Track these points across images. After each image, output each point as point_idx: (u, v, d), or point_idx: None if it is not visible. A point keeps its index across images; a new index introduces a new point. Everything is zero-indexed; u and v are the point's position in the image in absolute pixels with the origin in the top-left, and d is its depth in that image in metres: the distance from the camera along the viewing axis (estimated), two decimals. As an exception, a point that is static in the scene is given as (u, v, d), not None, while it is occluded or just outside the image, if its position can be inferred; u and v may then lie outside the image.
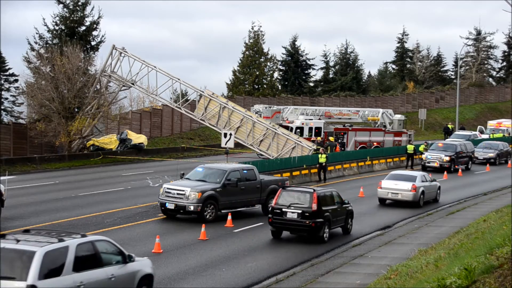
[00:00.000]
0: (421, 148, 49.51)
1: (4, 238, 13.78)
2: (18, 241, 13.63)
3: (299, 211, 23.97)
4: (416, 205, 32.67)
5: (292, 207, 24.10)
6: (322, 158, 40.50)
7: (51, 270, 13.14)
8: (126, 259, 15.09)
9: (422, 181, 33.47)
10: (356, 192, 35.41)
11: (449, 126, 70.70)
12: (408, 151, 49.16)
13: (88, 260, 14.06)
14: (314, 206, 23.88)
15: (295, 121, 49.69)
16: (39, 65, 50.49)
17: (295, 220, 24.01)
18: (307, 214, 23.86)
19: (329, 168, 43.28)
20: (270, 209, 24.86)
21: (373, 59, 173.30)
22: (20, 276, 12.76)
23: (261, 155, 46.59)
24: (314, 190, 24.65)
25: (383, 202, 33.46)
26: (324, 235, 24.33)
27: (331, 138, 49.32)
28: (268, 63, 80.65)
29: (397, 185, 32.96)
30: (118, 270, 14.73)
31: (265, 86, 79.10)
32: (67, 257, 13.51)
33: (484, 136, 64.42)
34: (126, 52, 48.01)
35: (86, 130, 48.79)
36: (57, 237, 14.00)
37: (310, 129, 49.56)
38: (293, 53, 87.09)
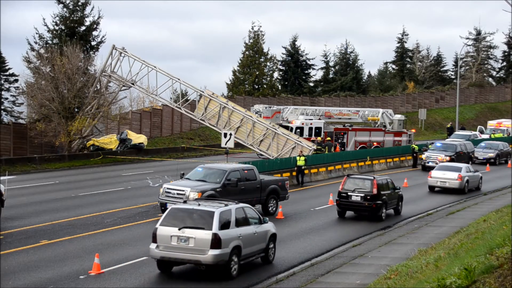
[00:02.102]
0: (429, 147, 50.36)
1: (186, 203, 20.04)
2: (199, 204, 19.21)
3: (362, 195, 28.67)
4: (462, 192, 37.15)
5: (356, 191, 28.79)
6: (301, 161, 38.66)
7: (223, 224, 18.64)
8: (262, 221, 20.57)
9: (467, 172, 38.12)
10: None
11: (450, 126, 70.94)
12: (415, 151, 50.08)
13: (241, 220, 19.55)
14: (375, 191, 28.57)
15: (295, 121, 49.67)
16: (39, 65, 50.49)
17: (359, 202, 28.76)
18: (369, 197, 28.59)
19: (329, 168, 43.29)
20: (337, 193, 29.24)
21: (373, 59, 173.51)
22: (206, 227, 18.30)
23: (261, 155, 46.59)
24: (374, 178, 29.19)
25: (432, 189, 38.06)
26: (382, 214, 28.89)
27: (328, 138, 49.26)
28: (268, 63, 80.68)
29: (445, 174, 37.65)
30: (257, 228, 20.14)
31: (265, 86, 79.10)
32: (231, 216, 19.04)
33: (484, 136, 64.42)
34: (126, 52, 48.00)
35: (86, 130, 48.79)
36: (223, 203, 19.68)
37: (310, 129, 49.55)
38: (293, 53, 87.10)
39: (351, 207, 29.14)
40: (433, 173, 38.13)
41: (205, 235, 18.18)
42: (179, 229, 18.35)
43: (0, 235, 23.17)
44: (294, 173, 39.15)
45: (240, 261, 19.10)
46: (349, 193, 28.89)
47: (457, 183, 37.23)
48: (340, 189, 29.17)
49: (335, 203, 29.80)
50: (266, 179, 29.82)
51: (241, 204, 20.38)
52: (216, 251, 18.15)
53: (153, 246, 18.64)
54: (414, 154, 50.01)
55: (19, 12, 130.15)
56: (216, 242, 18.14)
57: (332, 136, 50.48)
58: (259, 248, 20.24)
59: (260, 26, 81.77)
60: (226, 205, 19.40)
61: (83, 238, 23.43)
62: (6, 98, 64.27)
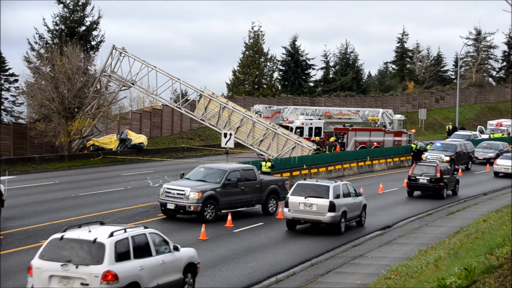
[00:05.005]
0: (428, 147, 50.34)
1: (305, 180, 27.37)
2: (317, 181, 26.67)
3: (428, 178, 35.05)
4: None
5: (423, 175, 35.22)
6: (266, 168, 34.70)
7: (335, 195, 25.38)
8: (357, 194, 27.09)
9: None
10: (356, 192, 35.43)
11: (453, 126, 70.84)
12: (413, 150, 50.17)
13: (346, 193, 26.16)
14: (438, 175, 34.95)
15: (295, 121, 49.63)
16: (39, 65, 50.43)
17: (426, 184, 35.19)
18: (433, 180, 35.01)
19: (329, 168, 43.23)
20: (407, 177, 36.09)
21: (373, 59, 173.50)
22: (325, 196, 25.16)
23: (261, 155, 46.54)
24: (437, 164, 35.93)
25: (497, 175, 45.16)
26: (444, 194, 35.35)
27: (332, 139, 49.10)
28: (268, 63, 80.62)
29: (508, 162, 44.47)
30: (355, 199, 26.69)
31: (265, 86, 79.04)
32: (340, 190, 25.82)
33: (484, 136, 64.37)
34: (126, 52, 47.97)
35: (86, 130, 48.75)
36: (333, 180, 27.59)
37: (310, 129, 49.49)
38: (293, 53, 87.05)
39: (419, 188, 35.51)
40: (498, 161, 45.52)
41: (324, 202, 24.98)
42: (305, 198, 25.22)
43: (0, 235, 23.17)
44: (295, 173, 39.01)
45: (346, 222, 25.82)
46: (417, 177, 35.31)
47: None
48: (410, 173, 35.70)
49: (406, 186, 36.32)
50: (266, 179, 29.78)
51: (345, 182, 27.07)
52: (332, 214, 24.98)
53: (285, 210, 25.59)
54: (412, 153, 50.01)
55: (19, 12, 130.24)
56: (332, 207, 24.93)
57: (332, 136, 50.41)
58: (356, 214, 26.80)
59: (260, 26, 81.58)
60: (335, 181, 26.46)
61: (83, 238, 23.36)
62: (6, 98, 64.33)
